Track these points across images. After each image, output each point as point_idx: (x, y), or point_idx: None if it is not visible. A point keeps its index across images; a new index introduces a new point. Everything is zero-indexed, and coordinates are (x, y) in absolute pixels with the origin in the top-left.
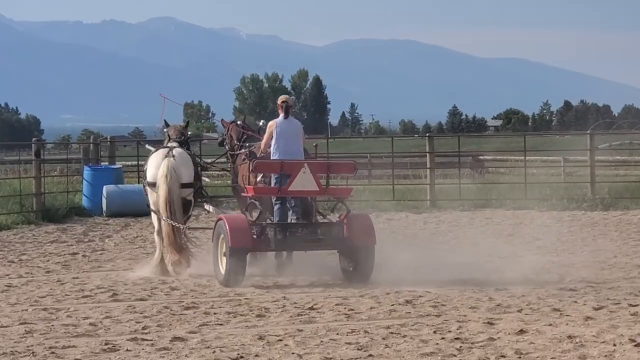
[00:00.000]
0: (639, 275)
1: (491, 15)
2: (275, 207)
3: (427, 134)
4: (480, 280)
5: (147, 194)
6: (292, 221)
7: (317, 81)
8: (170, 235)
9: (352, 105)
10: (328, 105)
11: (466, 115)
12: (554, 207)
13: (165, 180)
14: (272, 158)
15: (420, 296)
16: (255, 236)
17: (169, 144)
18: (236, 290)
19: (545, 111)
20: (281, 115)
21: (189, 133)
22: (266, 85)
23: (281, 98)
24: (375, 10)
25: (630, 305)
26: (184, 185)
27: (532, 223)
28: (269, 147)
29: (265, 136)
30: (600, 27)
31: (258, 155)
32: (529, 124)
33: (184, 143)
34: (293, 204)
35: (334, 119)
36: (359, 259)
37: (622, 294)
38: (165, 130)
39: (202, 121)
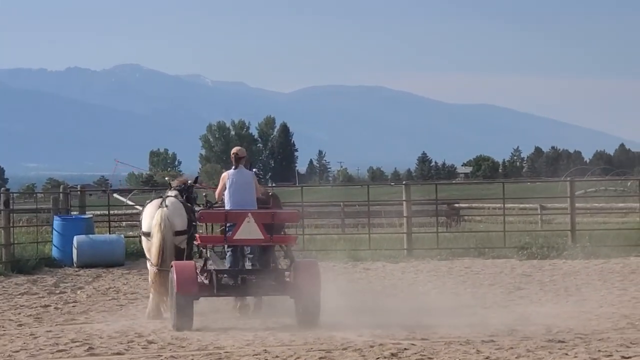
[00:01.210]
0: (628, 326)
1: (460, 61)
2: (227, 254)
3: (404, 182)
4: (465, 331)
5: (141, 243)
6: (248, 268)
7: (285, 128)
8: (157, 281)
9: (320, 152)
10: (295, 153)
11: (435, 162)
12: (534, 255)
13: (159, 229)
14: (225, 207)
15: (405, 349)
16: (204, 282)
17: (167, 193)
18: (215, 343)
19: (515, 157)
20: (233, 166)
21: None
22: (233, 132)
23: (233, 150)
24: (342, 56)
25: (623, 357)
26: (178, 233)
27: (513, 272)
28: (223, 196)
29: (219, 186)
30: (570, 74)
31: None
32: (500, 170)
33: (183, 191)
34: (249, 252)
35: (301, 166)
36: (305, 304)
37: (613, 345)
38: (167, 179)
39: (169, 169)
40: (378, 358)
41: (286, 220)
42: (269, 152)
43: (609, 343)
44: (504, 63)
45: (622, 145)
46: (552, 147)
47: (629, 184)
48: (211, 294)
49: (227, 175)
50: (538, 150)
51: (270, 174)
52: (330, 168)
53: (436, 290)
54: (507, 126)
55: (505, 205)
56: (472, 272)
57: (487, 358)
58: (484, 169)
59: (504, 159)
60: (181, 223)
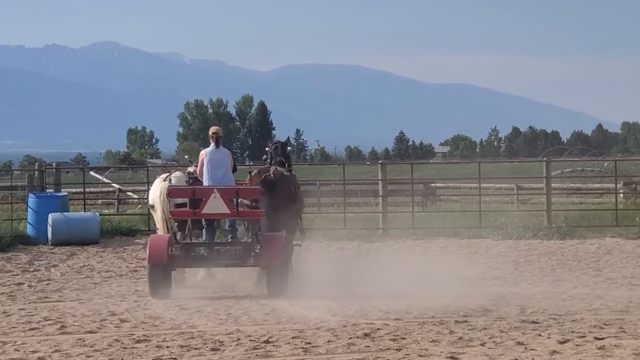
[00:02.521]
0: (602, 306)
1: (438, 41)
2: (204, 228)
3: (380, 161)
4: (439, 312)
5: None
6: (229, 240)
7: (262, 107)
8: None
9: (298, 131)
10: (273, 131)
11: (413, 142)
12: (510, 235)
13: (160, 201)
14: (203, 183)
15: (378, 329)
16: (175, 254)
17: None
18: (189, 322)
19: (493, 137)
20: (212, 145)
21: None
22: (210, 110)
23: (212, 129)
24: (321, 35)
25: (597, 338)
26: (179, 205)
27: (488, 252)
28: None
29: (199, 164)
30: (549, 54)
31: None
32: (477, 150)
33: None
34: (228, 225)
35: None
36: (271, 275)
37: (586, 326)
38: (187, 157)
39: (146, 147)
40: (351, 338)
41: (250, 196)
42: (246, 131)
43: (583, 324)
44: (483, 43)
45: (599, 125)
46: (530, 127)
47: (605, 164)
48: (181, 264)
49: (204, 153)
50: (516, 130)
51: (247, 152)
52: (307, 147)
53: (411, 270)
54: (485, 106)
55: (482, 185)
56: (448, 251)
57: (460, 338)
58: (462, 149)
59: (481, 139)
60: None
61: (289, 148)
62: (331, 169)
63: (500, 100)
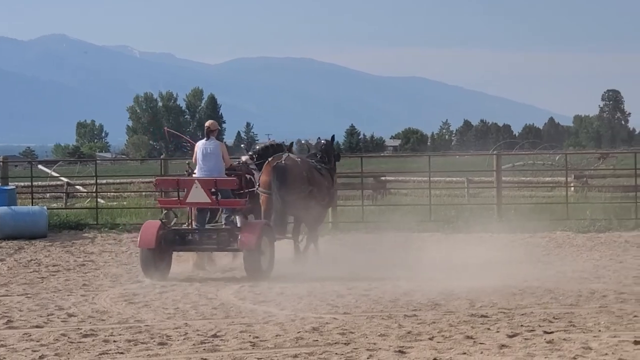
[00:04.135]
0: (552, 300)
1: (390, 34)
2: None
3: None
4: (388, 306)
5: None
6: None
7: (212, 100)
8: None
9: (248, 124)
10: (223, 125)
11: (364, 135)
12: (460, 229)
13: None
14: (196, 174)
15: (327, 323)
16: (163, 238)
17: None
18: (136, 316)
19: (444, 131)
20: (205, 137)
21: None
22: (160, 104)
23: (206, 123)
24: (271, 28)
25: (546, 332)
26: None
27: (439, 246)
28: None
29: (193, 156)
30: (500, 47)
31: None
32: (428, 143)
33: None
34: (224, 211)
35: (229, 139)
36: (246, 258)
37: (535, 320)
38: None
39: (95, 140)
40: (299, 332)
41: (226, 187)
42: (196, 124)
43: (532, 318)
44: (435, 36)
45: (551, 119)
46: (482, 121)
47: (557, 158)
48: (168, 248)
49: (197, 146)
50: (467, 123)
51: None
52: (258, 140)
53: (359, 264)
54: (437, 99)
55: (432, 178)
56: (399, 245)
57: (409, 332)
58: (413, 142)
59: (432, 132)
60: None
61: (337, 146)
62: None
63: (451, 93)
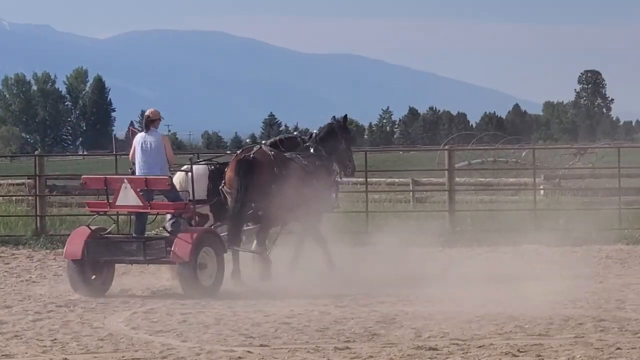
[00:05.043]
0: (516, 329)
1: (317, 3)
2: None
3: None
4: (315, 337)
5: None
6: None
7: (99, 82)
8: None
9: (143, 112)
10: (113, 113)
11: (286, 125)
12: (404, 242)
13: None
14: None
15: (239, 357)
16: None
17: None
18: (3, 350)
19: (385, 120)
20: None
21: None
22: (35, 87)
23: (146, 112)
24: None
25: None
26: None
27: (377, 262)
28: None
29: (131, 150)
30: (451, 17)
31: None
32: (365, 136)
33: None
34: (170, 217)
35: (120, 131)
36: (178, 274)
37: (496, 353)
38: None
39: None
40: None
41: (158, 187)
42: (79, 112)
43: (492, 351)
44: (373, 6)
45: (516, 106)
46: (430, 108)
47: (523, 154)
48: (95, 258)
49: (136, 139)
50: (413, 111)
51: (80, 139)
52: None
53: (280, 284)
54: (376, 81)
55: (370, 179)
56: (327, 262)
57: None
58: None
59: (370, 122)
60: (199, 191)
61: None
62: (184, 160)
63: (394, 74)
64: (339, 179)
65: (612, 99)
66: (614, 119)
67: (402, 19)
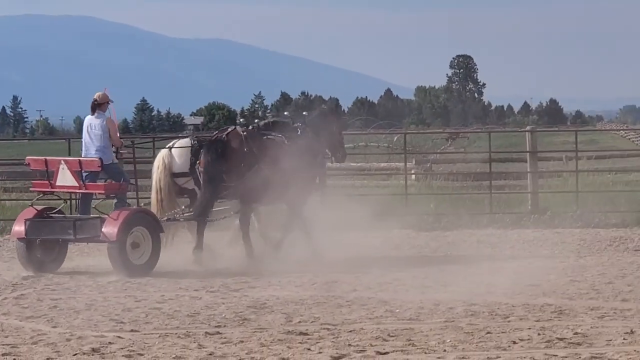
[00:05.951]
0: (387, 314)
1: None
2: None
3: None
4: (185, 322)
5: None
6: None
7: None
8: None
9: (15, 98)
10: None
11: (158, 111)
12: (271, 228)
13: (156, 170)
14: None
15: (110, 343)
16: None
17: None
18: None
19: (257, 105)
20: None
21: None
22: None
23: (95, 95)
24: None
25: (379, 353)
26: (177, 175)
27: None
28: None
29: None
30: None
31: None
32: (238, 121)
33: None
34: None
35: None
36: (108, 254)
37: (367, 338)
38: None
39: None
40: (76, 354)
41: (89, 168)
42: None
43: (363, 335)
44: None
45: (388, 90)
46: (303, 93)
47: (395, 138)
48: (36, 237)
49: (84, 123)
50: (285, 96)
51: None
52: (27, 118)
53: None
54: (247, 67)
55: None
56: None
57: (211, 354)
58: (219, 120)
59: (242, 108)
60: (181, 164)
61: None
62: (57, 146)
63: (264, 59)
64: (330, 163)
65: (484, 84)
66: (485, 104)
67: (269, 3)
